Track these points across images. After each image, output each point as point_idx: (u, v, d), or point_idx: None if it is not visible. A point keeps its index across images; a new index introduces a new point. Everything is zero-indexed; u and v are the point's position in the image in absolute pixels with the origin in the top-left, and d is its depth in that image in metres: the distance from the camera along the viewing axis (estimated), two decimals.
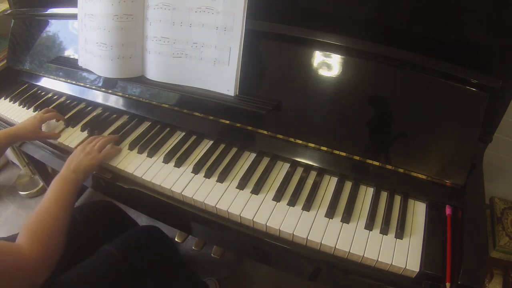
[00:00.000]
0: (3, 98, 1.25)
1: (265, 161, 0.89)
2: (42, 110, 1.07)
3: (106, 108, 1.10)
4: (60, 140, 1.02)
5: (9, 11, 1.30)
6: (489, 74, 0.76)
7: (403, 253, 0.71)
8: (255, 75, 0.89)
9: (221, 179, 0.85)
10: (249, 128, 0.91)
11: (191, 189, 0.83)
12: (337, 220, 0.77)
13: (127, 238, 0.93)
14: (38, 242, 0.67)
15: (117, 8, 0.92)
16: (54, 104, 1.16)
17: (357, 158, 0.83)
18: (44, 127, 1.06)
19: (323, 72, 0.85)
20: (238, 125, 0.91)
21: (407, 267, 0.68)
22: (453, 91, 0.78)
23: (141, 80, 0.99)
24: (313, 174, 0.86)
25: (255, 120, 0.89)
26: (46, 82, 1.22)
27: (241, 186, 0.83)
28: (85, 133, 1.03)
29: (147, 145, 0.94)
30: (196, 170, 0.87)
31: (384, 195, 0.82)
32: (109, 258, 0.87)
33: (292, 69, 0.87)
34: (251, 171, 0.86)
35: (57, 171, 0.89)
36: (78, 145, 0.98)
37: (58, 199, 0.78)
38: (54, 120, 1.08)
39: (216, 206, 0.79)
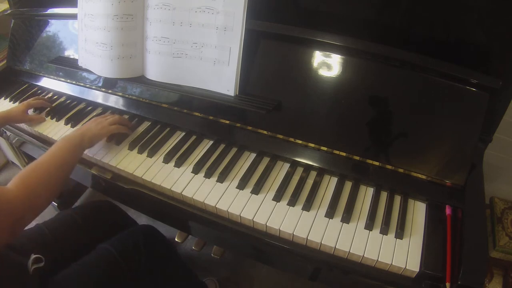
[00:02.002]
0: (3, 98, 1.25)
1: (265, 161, 0.89)
2: (31, 98, 1.14)
3: (106, 108, 1.10)
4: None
5: (9, 11, 1.30)
6: (489, 74, 0.76)
7: (403, 253, 0.71)
8: (255, 75, 0.89)
9: (221, 179, 0.85)
10: (249, 128, 0.91)
11: (191, 189, 0.83)
12: (337, 220, 0.77)
13: (125, 237, 0.94)
14: (25, 186, 0.69)
15: (117, 8, 0.92)
16: (54, 104, 1.16)
17: (357, 158, 0.83)
18: (43, 127, 1.06)
19: (323, 72, 0.85)
20: (238, 125, 0.91)
21: (407, 267, 0.68)
22: (453, 91, 0.78)
23: (141, 80, 0.99)
24: (313, 174, 0.86)
25: (255, 120, 0.89)
26: (46, 82, 1.22)
27: (241, 186, 0.83)
28: None
29: (147, 145, 0.94)
30: (196, 170, 0.87)
31: (384, 195, 0.82)
32: (107, 256, 0.88)
33: (292, 69, 0.87)
34: (251, 171, 0.86)
35: None
36: None
37: (55, 153, 0.79)
38: (54, 120, 1.08)
39: (216, 206, 0.79)
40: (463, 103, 0.78)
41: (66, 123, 1.07)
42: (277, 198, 0.80)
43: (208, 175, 0.86)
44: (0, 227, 0.63)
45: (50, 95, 1.22)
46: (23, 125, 1.10)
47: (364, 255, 0.70)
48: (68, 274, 0.83)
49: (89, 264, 0.86)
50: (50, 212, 1.62)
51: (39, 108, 1.14)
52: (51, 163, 0.76)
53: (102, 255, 0.88)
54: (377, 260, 0.70)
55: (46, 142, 1.07)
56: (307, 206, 0.78)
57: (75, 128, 0.90)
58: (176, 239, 1.23)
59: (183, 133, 0.99)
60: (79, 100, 1.15)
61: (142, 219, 1.51)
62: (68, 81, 1.15)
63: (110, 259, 0.87)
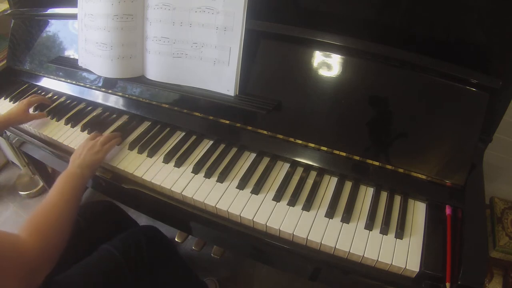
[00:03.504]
0: (3, 98, 1.25)
1: (265, 161, 0.90)
2: (30, 96, 1.12)
3: (106, 108, 1.10)
4: (60, 140, 1.02)
5: (9, 11, 1.30)
6: (489, 74, 0.76)
7: (403, 253, 0.71)
8: (255, 75, 0.89)
9: (221, 179, 0.85)
10: (249, 128, 0.91)
11: (191, 189, 0.83)
12: (337, 220, 0.77)
13: (126, 238, 0.94)
14: (39, 234, 0.66)
15: (117, 8, 0.92)
16: (54, 104, 1.16)
17: (357, 158, 0.83)
18: (43, 127, 1.06)
19: (323, 72, 0.85)
20: (238, 125, 0.91)
21: (407, 267, 0.68)
22: (453, 91, 0.78)
23: (141, 80, 0.99)
24: (313, 174, 0.86)
25: (255, 120, 0.89)
26: (46, 82, 1.22)
27: (241, 186, 0.83)
28: (85, 133, 1.03)
29: (147, 145, 0.94)
30: (196, 170, 0.87)
31: (384, 195, 0.82)
32: (109, 257, 0.88)
33: (292, 69, 0.87)
34: (251, 171, 0.86)
35: (57, 171, 0.89)
36: None
37: (62, 193, 0.77)
38: (54, 120, 1.08)
39: (216, 206, 0.79)
40: (463, 103, 0.78)
41: (66, 123, 1.07)
42: (277, 198, 0.80)
43: (208, 175, 0.86)
44: (17, 279, 0.60)
45: (50, 95, 1.22)
46: (23, 125, 1.10)
47: (364, 255, 0.70)
48: (70, 275, 0.83)
49: (91, 265, 0.86)
50: None
51: (39, 106, 1.14)
52: (59, 204, 0.74)
53: (104, 256, 0.88)
54: (377, 260, 0.70)
55: (46, 142, 1.07)
56: (307, 206, 0.78)
57: (69, 163, 0.86)
58: (176, 239, 1.23)
59: (183, 133, 0.99)
60: (79, 100, 1.15)
61: (142, 219, 1.51)
62: (68, 81, 1.15)
63: (112, 260, 0.87)
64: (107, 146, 0.90)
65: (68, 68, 1.11)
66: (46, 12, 1.18)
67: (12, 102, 1.22)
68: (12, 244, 0.62)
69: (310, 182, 0.84)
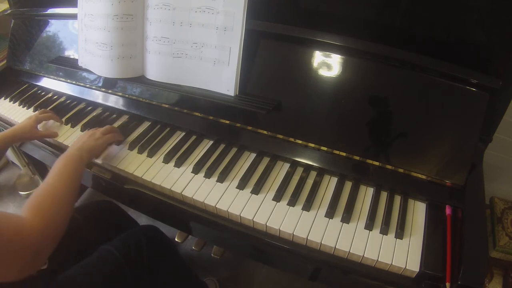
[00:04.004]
0: (3, 98, 1.25)
1: (265, 161, 0.89)
2: (39, 111, 1.07)
3: (106, 108, 1.10)
4: (60, 140, 1.02)
5: (9, 11, 1.30)
6: (489, 74, 0.76)
7: (403, 253, 0.71)
8: (255, 75, 0.89)
9: (221, 179, 0.85)
10: (249, 128, 0.91)
11: (191, 189, 0.83)
12: (337, 220, 0.77)
13: (127, 238, 0.94)
14: (39, 214, 0.66)
15: (117, 8, 0.92)
16: (54, 104, 1.16)
17: (357, 158, 0.83)
18: (42, 127, 1.06)
19: (323, 72, 0.85)
20: (238, 125, 0.91)
21: (407, 267, 0.68)
22: (453, 91, 0.78)
23: (141, 80, 0.99)
24: (313, 174, 0.86)
25: (255, 120, 0.89)
26: (46, 82, 1.22)
27: (241, 186, 0.83)
28: None
29: (147, 145, 0.94)
30: (196, 170, 0.87)
31: (384, 195, 0.82)
32: (109, 257, 0.88)
33: (292, 69, 0.87)
34: (251, 171, 0.86)
35: None
36: None
37: (61, 173, 0.76)
38: (52, 121, 1.08)
39: (216, 206, 0.79)
40: (463, 103, 0.78)
41: (66, 123, 1.07)
42: (277, 198, 0.80)
43: (208, 175, 0.86)
44: (22, 260, 0.60)
45: (50, 95, 1.22)
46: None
47: (364, 255, 0.70)
48: (71, 275, 0.83)
49: (92, 265, 0.86)
50: None
51: (39, 106, 1.14)
52: (59, 185, 0.73)
53: (104, 256, 0.88)
54: (377, 260, 0.70)
55: (46, 142, 1.07)
56: (307, 206, 0.78)
57: (69, 146, 0.86)
58: (176, 239, 1.23)
59: (183, 133, 0.99)
60: (79, 100, 1.15)
61: (142, 219, 1.52)
62: (68, 81, 1.15)
63: (112, 260, 0.87)
64: (108, 136, 0.91)
65: (68, 68, 1.11)
66: (46, 12, 1.19)
67: (12, 102, 1.22)
68: (15, 226, 0.62)
69: (310, 182, 0.84)
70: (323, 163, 0.85)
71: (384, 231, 0.74)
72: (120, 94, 1.05)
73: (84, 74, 1.09)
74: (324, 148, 0.85)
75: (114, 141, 0.94)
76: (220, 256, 1.24)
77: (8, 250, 0.58)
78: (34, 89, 1.25)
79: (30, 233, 0.62)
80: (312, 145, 0.85)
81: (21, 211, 0.67)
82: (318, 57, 0.85)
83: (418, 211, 0.79)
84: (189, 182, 0.85)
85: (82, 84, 1.11)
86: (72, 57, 1.14)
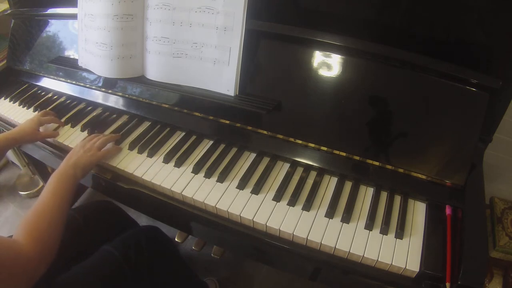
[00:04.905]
0: (3, 98, 1.25)
1: (265, 161, 0.89)
2: (40, 113, 1.07)
3: (106, 108, 1.10)
4: (60, 140, 1.02)
5: (9, 11, 1.30)
6: (489, 74, 0.76)
7: (403, 253, 0.71)
8: (255, 75, 0.89)
9: (221, 179, 0.85)
10: (249, 128, 0.91)
11: (191, 189, 0.83)
12: (337, 220, 0.77)
13: (127, 238, 0.93)
14: (35, 237, 0.67)
15: (117, 8, 0.92)
16: (54, 104, 1.16)
17: (357, 158, 0.83)
18: (42, 128, 1.06)
19: (323, 72, 0.85)
20: (238, 125, 0.91)
21: (407, 267, 0.68)
22: (453, 91, 0.78)
23: (141, 80, 0.99)
24: (313, 174, 0.86)
25: (255, 120, 0.89)
26: (46, 82, 1.22)
27: (241, 186, 0.83)
28: (85, 133, 1.03)
29: (147, 145, 0.94)
30: (196, 170, 0.87)
31: (384, 195, 0.82)
32: (109, 258, 0.88)
33: (292, 69, 0.87)
34: (251, 171, 0.86)
35: None
36: None
37: (55, 194, 0.77)
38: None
39: (216, 206, 0.79)
40: (463, 103, 0.78)
41: (66, 123, 1.07)
42: (277, 198, 0.80)
43: (208, 175, 0.86)
44: (17, 284, 0.61)
45: (50, 95, 1.22)
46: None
47: (364, 255, 0.70)
48: (71, 276, 0.83)
49: (92, 266, 0.86)
50: None
51: (40, 106, 1.13)
52: (52, 205, 0.74)
53: (104, 256, 0.88)
54: (377, 260, 0.70)
55: (46, 142, 1.06)
56: (307, 206, 0.78)
57: (63, 161, 0.86)
58: (176, 239, 1.23)
59: (183, 133, 0.99)
60: (79, 100, 1.15)
61: (142, 219, 1.52)
62: (68, 81, 1.15)
63: (113, 261, 0.87)
64: (103, 152, 0.90)
65: (68, 68, 1.11)
66: (46, 12, 1.19)
67: (12, 102, 1.22)
68: (9, 249, 0.63)
69: (310, 182, 0.84)
70: (323, 163, 0.85)
71: (384, 231, 0.74)
72: (120, 94, 1.05)
73: (84, 74, 1.09)
74: (324, 148, 0.85)
75: (110, 155, 0.93)
76: (220, 256, 1.24)
77: (4, 277, 0.59)
78: (34, 89, 1.25)
79: (23, 256, 0.63)
80: (312, 145, 0.85)
81: (16, 233, 0.68)
82: (318, 57, 0.85)
83: (418, 211, 0.79)
84: (189, 182, 0.85)
85: (82, 84, 1.11)
86: (72, 57, 1.14)
